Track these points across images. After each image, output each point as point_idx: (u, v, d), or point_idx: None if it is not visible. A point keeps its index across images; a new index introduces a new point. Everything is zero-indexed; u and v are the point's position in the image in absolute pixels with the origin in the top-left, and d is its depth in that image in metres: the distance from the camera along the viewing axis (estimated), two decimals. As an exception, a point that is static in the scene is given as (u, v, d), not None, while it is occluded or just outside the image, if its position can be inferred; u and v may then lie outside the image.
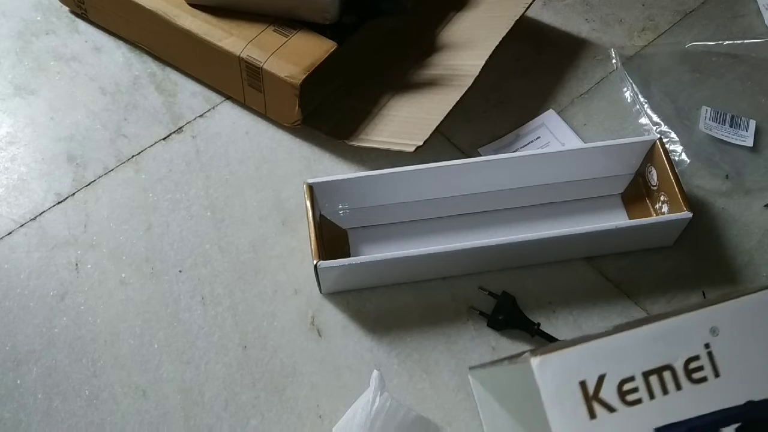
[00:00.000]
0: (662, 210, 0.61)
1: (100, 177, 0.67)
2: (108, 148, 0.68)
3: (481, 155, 0.67)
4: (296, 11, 0.66)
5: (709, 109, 0.70)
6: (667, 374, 0.33)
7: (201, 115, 0.71)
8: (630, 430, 0.32)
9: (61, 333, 0.58)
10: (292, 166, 0.68)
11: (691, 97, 0.72)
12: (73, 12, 0.77)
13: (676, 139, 0.69)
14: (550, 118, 0.71)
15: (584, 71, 0.75)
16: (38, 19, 0.77)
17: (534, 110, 0.71)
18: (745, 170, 0.67)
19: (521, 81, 0.74)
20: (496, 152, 0.68)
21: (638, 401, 0.33)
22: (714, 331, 0.34)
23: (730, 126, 0.69)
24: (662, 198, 0.61)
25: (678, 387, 0.33)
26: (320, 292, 0.60)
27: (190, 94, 0.72)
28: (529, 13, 0.75)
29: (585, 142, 0.69)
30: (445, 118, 0.63)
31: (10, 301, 0.60)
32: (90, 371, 0.56)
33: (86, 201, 0.65)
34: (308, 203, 0.58)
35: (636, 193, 0.64)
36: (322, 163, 0.68)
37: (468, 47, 0.69)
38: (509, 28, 0.68)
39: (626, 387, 0.33)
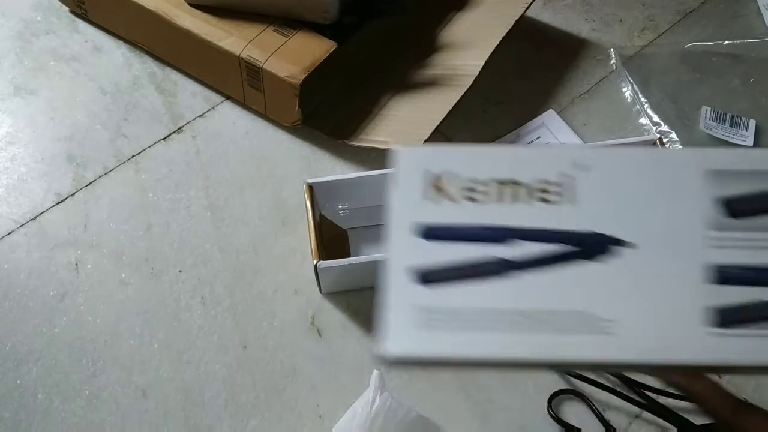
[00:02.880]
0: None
1: (100, 177, 0.67)
2: (108, 148, 0.68)
3: (481, 155, 0.67)
4: (296, 11, 0.66)
5: (709, 108, 0.70)
6: (519, 188, 0.36)
7: (201, 115, 0.71)
8: (459, 219, 0.35)
9: (61, 333, 0.58)
10: (292, 166, 0.68)
11: (691, 97, 0.72)
12: (73, 12, 0.77)
13: (676, 139, 0.69)
14: (550, 118, 0.71)
15: (584, 71, 0.75)
16: (38, 19, 0.77)
17: (534, 110, 0.71)
18: (745, 170, 0.67)
19: (521, 81, 0.74)
20: (496, 152, 0.68)
21: (479, 200, 0.36)
22: (584, 168, 0.36)
23: (731, 126, 0.69)
24: (662, 198, 0.61)
25: (525, 201, 0.36)
26: (320, 292, 0.60)
27: (190, 94, 0.72)
28: (529, 13, 0.75)
29: (585, 142, 0.69)
30: (445, 118, 0.63)
31: (10, 301, 0.60)
32: (90, 371, 0.56)
33: (86, 201, 0.65)
34: (308, 203, 0.58)
35: (636, 193, 0.64)
36: (322, 163, 0.68)
37: (468, 47, 0.69)
38: (509, 28, 0.68)
39: (472, 186, 0.36)
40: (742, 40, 0.76)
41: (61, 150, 0.68)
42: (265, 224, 0.64)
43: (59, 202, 0.65)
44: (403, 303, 0.35)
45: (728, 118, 0.70)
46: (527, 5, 0.71)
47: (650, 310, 0.34)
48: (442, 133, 0.69)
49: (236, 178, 0.67)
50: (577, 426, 0.54)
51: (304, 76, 0.62)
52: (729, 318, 0.34)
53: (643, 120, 0.71)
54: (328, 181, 0.59)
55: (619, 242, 0.35)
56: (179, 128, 0.70)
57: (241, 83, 0.68)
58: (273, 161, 0.68)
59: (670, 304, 0.35)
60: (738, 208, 0.36)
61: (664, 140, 0.66)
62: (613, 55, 0.76)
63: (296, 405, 0.55)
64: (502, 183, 0.36)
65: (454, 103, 0.64)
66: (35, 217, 0.64)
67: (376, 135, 0.65)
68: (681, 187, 0.36)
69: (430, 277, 0.35)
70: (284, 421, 0.55)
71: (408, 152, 0.38)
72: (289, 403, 0.55)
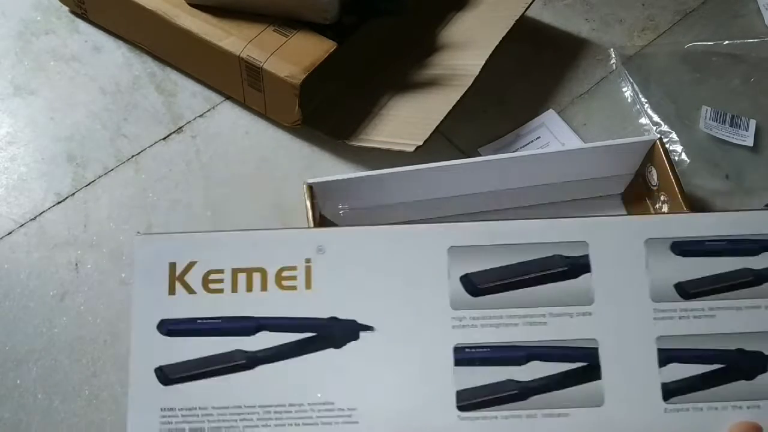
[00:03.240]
0: (662, 210, 0.61)
1: (100, 177, 0.67)
2: (108, 148, 0.68)
3: (481, 155, 0.67)
4: (296, 11, 0.66)
5: (709, 108, 0.70)
6: (256, 275, 0.35)
7: (201, 115, 0.71)
8: (201, 312, 0.35)
9: (61, 333, 0.58)
10: (292, 166, 0.68)
11: (691, 97, 0.72)
12: (73, 12, 0.77)
13: (676, 139, 0.69)
14: (550, 118, 0.71)
15: (584, 71, 0.75)
16: (38, 19, 0.77)
17: (534, 110, 0.71)
18: (745, 170, 0.67)
19: (521, 81, 0.74)
20: (496, 152, 0.68)
21: (219, 290, 0.35)
22: (320, 250, 0.36)
23: (731, 126, 0.69)
24: (662, 198, 0.61)
25: (264, 288, 0.35)
26: (320, 292, 0.60)
27: (190, 94, 0.72)
28: (529, 13, 0.75)
29: (585, 142, 0.69)
30: (445, 118, 0.63)
31: (10, 301, 0.60)
32: (90, 371, 0.56)
33: (86, 201, 0.65)
34: (308, 203, 0.58)
35: (636, 193, 0.64)
36: (322, 163, 0.68)
37: (468, 47, 0.69)
38: (509, 28, 0.68)
39: (213, 276, 0.35)
40: (742, 40, 0.76)
41: (61, 150, 0.68)
42: (265, 224, 0.64)
43: (59, 202, 0.65)
44: (145, 404, 0.34)
45: (728, 118, 0.70)
46: (527, 5, 0.71)
47: (395, 396, 0.33)
48: (442, 133, 0.69)
49: (236, 178, 0.67)
50: None
51: (304, 76, 0.62)
52: (469, 400, 0.33)
53: (643, 120, 0.71)
54: (328, 181, 0.59)
55: (360, 327, 0.34)
56: (179, 128, 0.70)
57: (241, 83, 0.68)
58: (273, 161, 0.68)
59: (416, 388, 0.34)
60: (477, 285, 0.35)
61: (665, 140, 0.66)
62: (613, 55, 0.76)
63: (296, 405, 0.55)
64: (243, 271, 0.35)
65: (454, 103, 0.64)
66: (35, 217, 0.64)
67: (376, 135, 0.65)
68: (425, 264, 0.35)
69: (172, 375, 0.34)
70: (284, 421, 0.55)
71: (149, 242, 0.37)
72: (289, 403, 0.55)
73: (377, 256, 0.35)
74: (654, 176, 0.62)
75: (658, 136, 0.63)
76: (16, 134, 0.69)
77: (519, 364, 0.34)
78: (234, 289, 0.35)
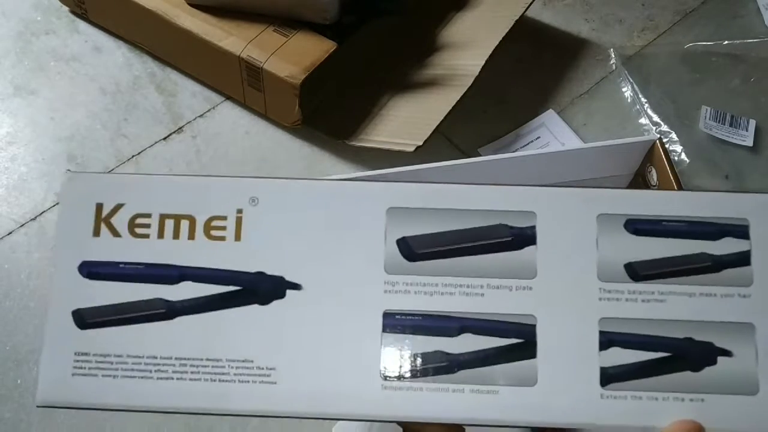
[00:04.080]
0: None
1: (100, 177, 0.67)
2: (108, 148, 0.68)
3: (481, 155, 0.67)
4: (296, 11, 0.66)
5: (709, 108, 0.70)
6: (185, 222, 0.34)
7: (201, 115, 0.71)
8: (124, 256, 0.34)
9: (61, 333, 0.58)
10: (292, 166, 0.68)
11: (691, 97, 0.72)
12: (73, 12, 0.77)
13: (676, 139, 0.69)
14: (550, 118, 0.71)
15: (584, 71, 0.75)
16: (38, 19, 0.77)
17: (534, 110, 0.72)
18: (745, 170, 0.67)
19: (521, 81, 0.74)
20: (496, 152, 0.68)
21: (145, 236, 0.34)
22: (253, 201, 0.34)
23: (730, 126, 0.70)
24: (662, 198, 0.61)
25: (192, 237, 0.34)
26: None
27: (190, 94, 0.72)
28: (529, 13, 0.75)
29: (585, 142, 0.69)
30: (445, 118, 0.63)
31: (10, 301, 0.60)
32: (90, 371, 0.56)
33: (86, 201, 0.65)
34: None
35: (636, 193, 0.63)
36: (322, 163, 0.68)
37: (468, 47, 0.69)
38: (509, 28, 0.68)
39: (139, 221, 0.34)
40: (742, 40, 0.76)
41: (62, 150, 0.68)
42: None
43: (59, 202, 0.65)
44: (59, 346, 0.33)
45: (728, 118, 0.70)
46: (527, 5, 0.71)
47: (319, 360, 0.32)
48: (442, 133, 0.69)
49: (236, 178, 0.67)
50: None
51: (304, 76, 0.62)
52: (394, 370, 0.32)
53: (643, 120, 0.71)
54: (327, 181, 0.59)
55: (288, 285, 0.33)
56: (179, 128, 0.70)
57: (241, 83, 0.68)
58: (273, 161, 0.68)
59: (340, 352, 0.32)
60: (414, 249, 0.33)
61: (664, 140, 0.66)
62: (613, 55, 0.76)
63: (296, 405, 0.55)
64: (172, 217, 0.34)
65: (454, 103, 0.64)
66: (35, 217, 0.64)
67: (376, 135, 0.65)
68: (361, 224, 0.34)
69: (89, 319, 0.33)
70: (284, 420, 0.55)
71: (78, 180, 0.35)
72: (289, 403, 0.55)
73: (312, 211, 0.34)
74: (654, 176, 0.62)
75: (658, 136, 0.63)
76: (17, 134, 0.69)
77: (451, 335, 0.32)
78: (160, 235, 0.34)
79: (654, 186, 0.62)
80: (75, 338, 0.33)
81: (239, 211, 0.34)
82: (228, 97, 0.72)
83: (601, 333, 0.33)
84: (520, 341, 0.33)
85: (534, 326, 0.33)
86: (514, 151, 0.68)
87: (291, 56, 0.64)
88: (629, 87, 0.73)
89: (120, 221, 0.34)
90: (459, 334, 0.33)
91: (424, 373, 0.32)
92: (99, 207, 0.34)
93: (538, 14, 0.79)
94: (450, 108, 0.64)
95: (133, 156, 0.68)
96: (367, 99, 0.69)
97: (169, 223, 0.34)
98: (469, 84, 0.65)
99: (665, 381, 0.32)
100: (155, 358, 0.33)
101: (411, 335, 0.33)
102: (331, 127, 0.68)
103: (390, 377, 0.32)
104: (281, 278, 0.33)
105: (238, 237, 0.34)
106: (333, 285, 0.33)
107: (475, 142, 0.69)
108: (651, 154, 0.62)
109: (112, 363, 0.33)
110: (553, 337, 0.33)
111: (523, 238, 0.34)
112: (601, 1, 0.81)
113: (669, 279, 0.33)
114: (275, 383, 0.32)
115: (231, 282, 0.33)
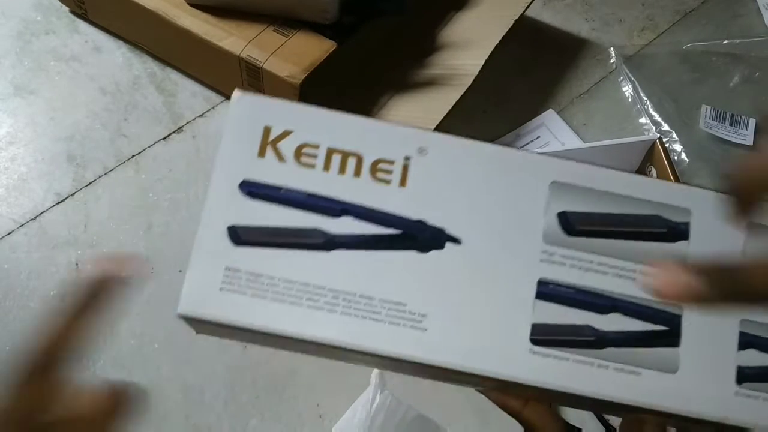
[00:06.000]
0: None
1: (100, 177, 0.67)
2: (108, 148, 0.68)
3: (481, 155, 0.67)
4: (296, 11, 0.66)
5: (709, 107, 0.71)
6: (352, 159, 0.34)
7: (201, 115, 0.71)
8: (287, 181, 0.33)
9: (61, 333, 0.58)
10: (292, 166, 0.68)
11: (691, 97, 0.72)
12: (73, 12, 0.77)
13: (676, 138, 0.69)
14: (550, 117, 0.71)
15: (584, 71, 0.75)
16: (38, 19, 0.77)
17: (534, 110, 0.72)
18: (745, 170, 0.67)
19: (521, 81, 0.74)
20: (496, 152, 0.68)
21: (311, 165, 0.34)
22: (422, 151, 0.35)
23: (731, 125, 0.70)
24: (662, 197, 0.61)
25: (357, 174, 0.34)
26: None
27: (190, 94, 0.72)
28: (529, 13, 0.75)
29: (585, 142, 0.69)
30: (444, 118, 0.63)
31: (10, 301, 0.60)
32: (90, 371, 0.56)
33: (86, 201, 0.65)
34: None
35: (636, 193, 0.64)
36: (322, 163, 0.68)
37: (468, 47, 0.69)
38: (509, 27, 0.68)
39: (306, 150, 0.34)
40: (742, 40, 0.76)
41: (61, 150, 0.68)
42: (265, 224, 0.64)
43: (59, 202, 0.65)
44: (210, 259, 0.33)
45: (728, 117, 0.70)
46: (527, 5, 0.71)
47: (469, 315, 0.32)
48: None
49: (236, 178, 0.67)
50: (578, 426, 0.54)
51: (304, 76, 0.63)
52: (543, 335, 0.32)
53: (644, 119, 0.71)
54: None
55: (448, 238, 0.33)
56: (179, 128, 0.70)
57: (241, 83, 0.68)
58: (273, 161, 0.68)
59: (491, 311, 0.33)
60: (574, 225, 0.34)
61: (664, 139, 0.66)
62: (613, 55, 0.76)
63: (296, 405, 0.55)
64: (339, 152, 0.34)
65: (453, 103, 0.64)
66: (35, 217, 0.64)
67: (376, 135, 0.65)
68: (523, 192, 0.34)
69: (245, 237, 0.33)
70: (284, 420, 0.55)
71: (248, 100, 0.35)
72: (289, 403, 0.55)
73: (478, 171, 0.35)
74: (654, 175, 0.62)
75: (658, 135, 0.63)
76: (17, 134, 0.69)
77: (601, 312, 0.33)
78: (326, 168, 0.33)
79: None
80: (227, 253, 0.32)
81: (407, 158, 0.34)
82: (228, 97, 0.72)
83: (741, 333, 0.33)
84: (665, 329, 0.33)
85: (680, 317, 0.33)
86: (514, 151, 0.68)
87: (291, 56, 0.64)
88: (629, 86, 0.73)
89: (287, 147, 0.34)
90: (609, 312, 0.33)
91: (571, 344, 0.33)
92: (267, 130, 0.34)
93: (538, 14, 0.80)
94: (450, 108, 0.64)
95: (133, 156, 0.68)
96: (367, 99, 0.69)
97: (336, 158, 0.34)
98: (469, 84, 0.65)
99: None
100: (308, 285, 0.32)
101: (563, 306, 0.33)
102: (331, 127, 0.68)
103: (538, 342, 0.32)
104: (442, 230, 0.33)
105: (403, 183, 0.34)
106: (491, 245, 0.33)
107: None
108: (651, 153, 0.62)
109: (263, 284, 0.32)
110: (697, 330, 0.33)
111: (678, 232, 0.34)
112: (601, 1, 0.81)
113: None
114: (426, 330, 0.32)
115: (392, 225, 0.33)
